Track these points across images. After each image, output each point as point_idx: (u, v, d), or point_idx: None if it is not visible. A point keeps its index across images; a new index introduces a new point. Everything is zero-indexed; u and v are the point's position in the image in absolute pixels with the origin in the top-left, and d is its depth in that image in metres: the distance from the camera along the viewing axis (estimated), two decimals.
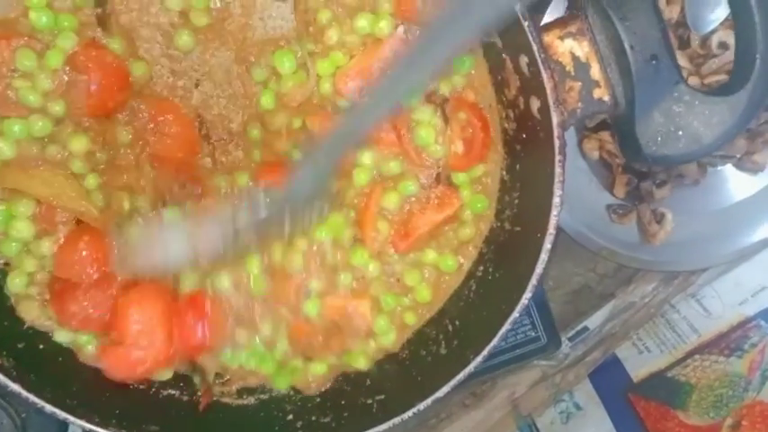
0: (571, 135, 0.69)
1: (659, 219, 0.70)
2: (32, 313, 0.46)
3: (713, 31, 0.61)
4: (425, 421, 0.76)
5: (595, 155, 0.69)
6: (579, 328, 0.76)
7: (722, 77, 0.58)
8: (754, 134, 0.68)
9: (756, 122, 0.67)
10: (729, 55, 0.56)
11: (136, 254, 0.42)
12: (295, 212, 0.41)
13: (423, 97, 0.45)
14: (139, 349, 0.44)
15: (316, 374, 0.48)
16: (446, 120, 0.44)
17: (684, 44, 0.62)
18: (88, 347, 0.48)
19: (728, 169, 0.71)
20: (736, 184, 0.71)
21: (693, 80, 0.60)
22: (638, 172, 0.70)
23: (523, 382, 0.76)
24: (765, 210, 0.70)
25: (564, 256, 0.75)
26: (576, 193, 0.69)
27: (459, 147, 0.44)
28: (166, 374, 0.49)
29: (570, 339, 0.76)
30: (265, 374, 0.48)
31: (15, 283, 0.46)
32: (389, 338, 0.47)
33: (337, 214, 0.45)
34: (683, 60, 0.60)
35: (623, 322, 0.76)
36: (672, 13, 0.61)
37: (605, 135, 0.68)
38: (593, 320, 0.77)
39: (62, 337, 0.48)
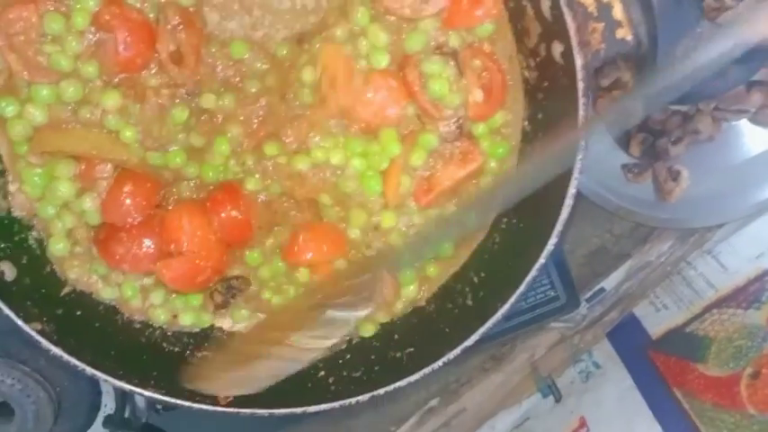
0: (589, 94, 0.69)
1: (675, 176, 0.70)
2: (77, 272, 0.47)
3: None
4: (446, 386, 0.78)
5: None
6: (596, 289, 0.77)
7: None
8: None
9: None
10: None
11: None
12: None
13: (431, 49, 0.45)
14: (198, 258, 0.46)
15: None
16: (460, 69, 0.44)
17: None
18: (134, 301, 0.49)
19: (744, 124, 0.71)
20: (752, 138, 0.71)
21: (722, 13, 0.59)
22: (653, 130, 0.70)
23: (542, 344, 0.77)
24: None
25: (580, 217, 0.75)
26: (591, 152, 0.69)
27: (477, 95, 0.44)
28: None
29: (587, 301, 0.77)
30: None
31: (58, 248, 0.47)
32: (411, 290, 0.48)
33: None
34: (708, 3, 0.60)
35: (640, 282, 0.76)
36: None
37: (620, 94, 0.68)
38: (610, 281, 0.77)
39: (108, 293, 0.49)
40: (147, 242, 0.46)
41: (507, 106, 0.46)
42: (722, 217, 0.71)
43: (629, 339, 0.74)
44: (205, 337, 0.52)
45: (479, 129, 0.46)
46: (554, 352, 0.78)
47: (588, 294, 0.77)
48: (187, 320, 0.51)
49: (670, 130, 0.69)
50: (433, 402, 0.78)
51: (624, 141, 0.71)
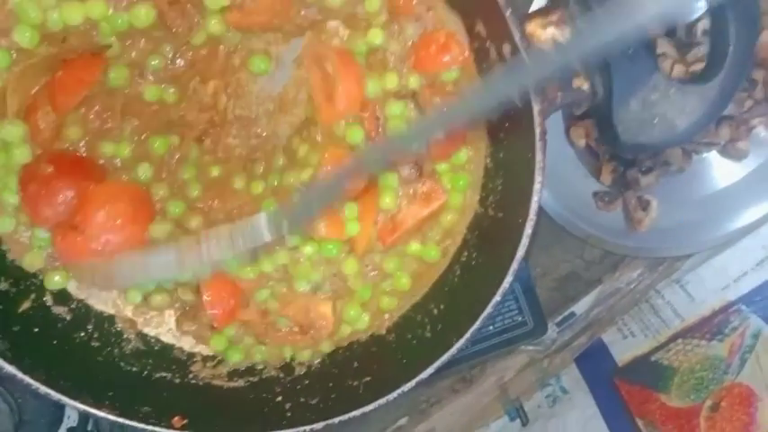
0: (558, 123, 0.70)
1: (645, 206, 0.71)
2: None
3: (698, 20, 0.61)
4: (416, 406, 0.78)
5: (582, 143, 0.70)
6: (566, 313, 0.78)
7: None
8: (738, 121, 0.69)
9: (740, 110, 0.68)
10: (703, 58, 0.57)
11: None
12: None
13: (389, 95, 0.45)
14: (97, 243, 0.44)
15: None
16: (420, 109, 0.45)
17: (670, 32, 0.63)
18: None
19: (713, 156, 0.72)
20: (721, 170, 0.72)
21: (679, 67, 0.61)
22: (625, 159, 0.71)
23: (512, 367, 0.78)
24: (749, 196, 0.71)
25: (552, 243, 0.76)
26: (564, 180, 0.70)
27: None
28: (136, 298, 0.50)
29: (558, 325, 0.78)
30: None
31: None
32: (362, 324, 0.49)
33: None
34: (668, 48, 0.61)
35: (609, 308, 0.77)
36: None
37: (591, 123, 0.69)
38: (580, 306, 0.78)
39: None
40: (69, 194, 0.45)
41: (470, 143, 0.46)
42: (690, 247, 0.72)
43: (596, 365, 0.74)
44: (164, 358, 0.52)
45: (442, 167, 0.46)
46: (523, 375, 0.78)
47: (558, 318, 0.78)
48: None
49: (641, 161, 0.70)
50: (402, 421, 0.78)
51: (596, 170, 0.72)
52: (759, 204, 0.70)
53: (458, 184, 0.47)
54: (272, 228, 0.39)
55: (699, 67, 0.59)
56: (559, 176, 0.69)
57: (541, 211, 0.53)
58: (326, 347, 0.51)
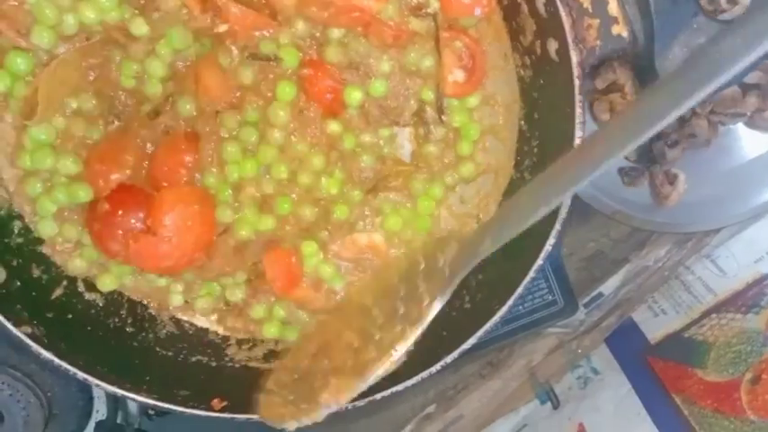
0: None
1: (672, 180, 0.70)
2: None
3: None
4: (444, 392, 0.77)
5: (606, 117, 0.69)
6: (594, 294, 0.77)
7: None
8: (765, 91, 0.68)
9: (767, 78, 0.67)
10: (739, 9, 0.56)
11: None
12: None
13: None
14: (169, 244, 0.45)
15: None
16: (438, 49, 0.44)
17: None
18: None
19: (740, 128, 0.71)
20: (748, 142, 0.71)
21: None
22: None
23: (540, 350, 0.77)
24: None
25: (578, 222, 0.75)
26: None
27: (459, 75, 0.44)
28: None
29: (585, 306, 0.77)
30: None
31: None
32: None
33: None
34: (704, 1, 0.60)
35: (638, 286, 0.76)
36: None
37: (616, 97, 0.67)
38: (608, 286, 0.77)
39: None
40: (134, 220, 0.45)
41: (503, 104, 0.45)
42: (720, 221, 0.71)
43: (627, 345, 0.73)
44: (199, 342, 0.51)
45: (454, 104, 0.46)
46: (552, 358, 0.77)
47: (586, 299, 0.77)
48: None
49: (666, 134, 0.69)
50: (431, 409, 0.78)
51: None
52: None
53: (469, 133, 0.47)
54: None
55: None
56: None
57: None
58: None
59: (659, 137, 0.70)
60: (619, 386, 0.71)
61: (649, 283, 0.76)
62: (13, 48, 0.43)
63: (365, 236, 0.49)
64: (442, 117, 0.46)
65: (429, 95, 0.46)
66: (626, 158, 0.71)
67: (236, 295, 0.50)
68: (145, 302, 0.51)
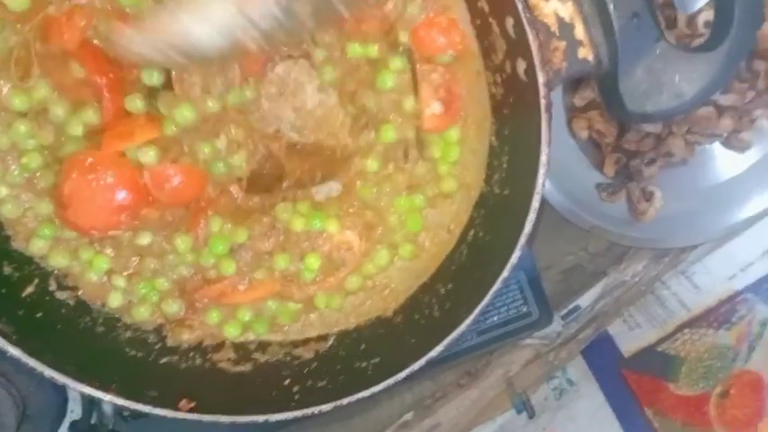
0: (560, 114, 0.71)
1: (648, 197, 0.71)
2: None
3: (699, 11, 0.62)
4: (421, 401, 0.77)
5: (585, 134, 0.70)
6: (571, 306, 0.78)
7: None
8: (741, 112, 0.69)
9: (742, 101, 0.68)
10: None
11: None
12: None
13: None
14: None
15: None
16: (414, 82, 0.45)
17: (671, 24, 0.63)
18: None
19: (716, 147, 0.72)
20: (724, 162, 0.73)
21: None
22: (628, 151, 0.71)
23: (517, 361, 0.78)
24: (753, 187, 0.71)
25: (556, 235, 0.76)
26: (567, 171, 0.71)
27: (436, 107, 0.45)
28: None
29: (563, 318, 0.78)
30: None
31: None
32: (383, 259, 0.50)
33: None
34: (670, 39, 0.61)
35: (615, 300, 0.77)
36: None
37: (594, 114, 0.69)
38: (586, 299, 0.78)
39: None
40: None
41: (471, 122, 0.46)
42: (695, 238, 0.72)
43: (602, 357, 0.74)
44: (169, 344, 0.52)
45: (433, 138, 0.47)
46: (529, 368, 0.78)
47: (564, 312, 0.78)
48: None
49: (643, 152, 0.70)
50: (408, 416, 0.78)
51: (598, 161, 0.72)
52: (763, 195, 0.71)
53: (448, 153, 0.48)
54: None
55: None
56: (562, 168, 0.69)
57: (545, 202, 0.53)
58: (354, 284, 0.50)
59: (636, 154, 0.71)
60: (593, 397, 0.72)
61: (626, 297, 0.77)
62: None
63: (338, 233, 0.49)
64: (424, 153, 0.47)
65: (410, 134, 0.47)
66: (603, 174, 0.72)
67: (171, 305, 0.50)
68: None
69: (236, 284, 0.49)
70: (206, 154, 0.46)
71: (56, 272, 0.50)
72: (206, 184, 0.47)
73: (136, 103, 0.45)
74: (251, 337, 0.52)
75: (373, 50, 0.46)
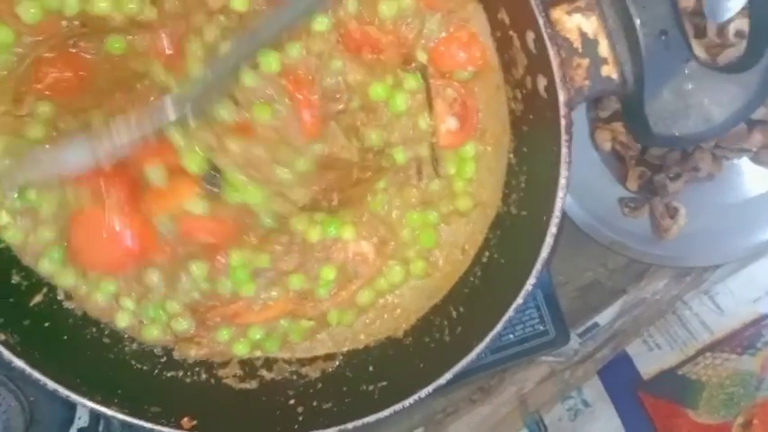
0: (583, 125, 0.69)
1: (672, 213, 0.69)
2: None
3: (730, 20, 0.59)
4: (432, 416, 0.76)
5: (608, 146, 0.68)
6: (589, 324, 0.76)
7: None
8: None
9: None
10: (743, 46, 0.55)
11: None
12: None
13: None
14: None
15: None
16: (428, 99, 0.44)
17: (701, 33, 0.61)
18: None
19: (744, 163, 0.70)
20: (752, 178, 0.70)
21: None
22: (652, 165, 0.69)
23: (531, 378, 0.76)
24: None
25: (574, 251, 0.74)
26: (588, 185, 0.69)
27: (451, 123, 0.44)
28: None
29: (580, 336, 0.76)
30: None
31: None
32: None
33: None
34: (698, 50, 0.59)
35: (634, 319, 0.75)
36: (687, 2, 0.60)
37: (618, 126, 0.67)
38: (604, 317, 0.76)
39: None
40: None
41: (490, 138, 0.45)
42: (719, 257, 0.70)
43: (619, 378, 0.72)
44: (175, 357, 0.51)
45: (448, 153, 0.46)
46: (543, 386, 0.76)
47: (581, 329, 0.76)
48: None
49: (669, 166, 0.68)
50: (418, 431, 0.77)
51: (622, 175, 0.70)
52: None
53: (463, 170, 0.47)
54: (176, 109, 0.41)
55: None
56: (584, 181, 0.68)
57: (564, 216, 0.52)
58: (366, 298, 0.49)
59: (661, 169, 0.69)
60: (608, 420, 0.70)
61: (646, 315, 0.75)
62: None
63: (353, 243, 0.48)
64: (439, 171, 0.46)
65: (424, 152, 0.46)
66: (626, 189, 0.70)
67: (181, 323, 0.49)
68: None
69: (250, 305, 0.48)
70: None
71: None
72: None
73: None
74: (258, 353, 0.51)
75: (389, 81, 0.45)
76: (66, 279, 0.48)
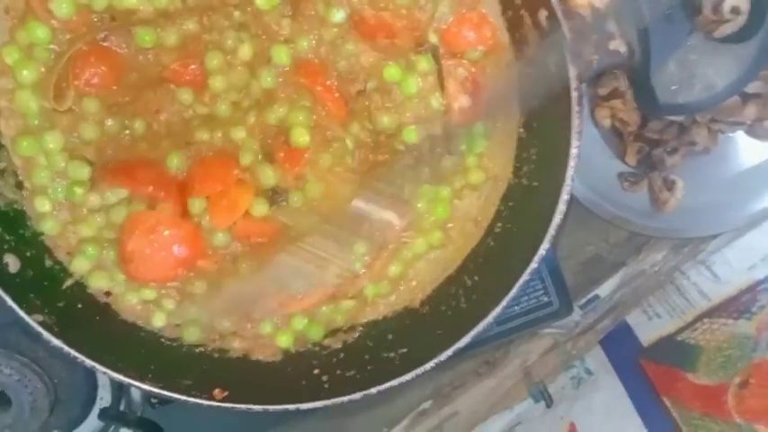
0: (583, 104, 0.70)
1: (670, 186, 0.71)
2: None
3: None
4: (440, 389, 0.78)
5: (607, 123, 0.70)
6: (590, 296, 0.78)
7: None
8: (766, 100, 0.68)
9: (767, 88, 0.68)
10: (741, 20, 0.57)
11: None
12: None
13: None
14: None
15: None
16: (440, 78, 0.46)
17: (696, 11, 0.63)
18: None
19: (739, 136, 0.72)
20: (747, 150, 0.72)
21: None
22: (650, 140, 0.71)
23: (535, 351, 0.78)
24: None
25: (577, 226, 0.76)
26: (588, 161, 0.70)
27: (464, 101, 0.45)
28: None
29: (581, 308, 0.78)
30: None
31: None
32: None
33: None
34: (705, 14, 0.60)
35: (634, 290, 0.77)
36: None
37: (617, 103, 0.69)
38: (605, 289, 0.78)
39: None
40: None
41: (499, 115, 0.47)
42: (716, 227, 0.72)
43: (620, 347, 0.74)
44: None
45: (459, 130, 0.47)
46: (547, 358, 0.78)
47: (582, 301, 0.78)
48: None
49: (666, 141, 0.70)
50: (426, 405, 0.79)
51: (621, 151, 0.72)
52: None
53: (474, 145, 0.48)
54: None
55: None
56: (584, 157, 0.67)
57: None
58: (397, 270, 0.51)
59: (659, 143, 0.71)
60: (611, 387, 0.72)
61: (645, 286, 0.77)
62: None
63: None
64: (451, 148, 0.48)
65: (437, 130, 0.47)
66: (625, 164, 0.72)
67: (224, 324, 0.50)
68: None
69: (294, 294, 0.50)
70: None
71: None
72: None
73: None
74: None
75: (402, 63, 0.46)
76: (99, 281, 0.50)
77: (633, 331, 0.75)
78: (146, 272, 0.48)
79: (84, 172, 0.47)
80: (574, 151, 0.38)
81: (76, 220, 0.48)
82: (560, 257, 0.75)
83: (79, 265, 0.49)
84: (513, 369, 0.79)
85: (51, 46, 0.46)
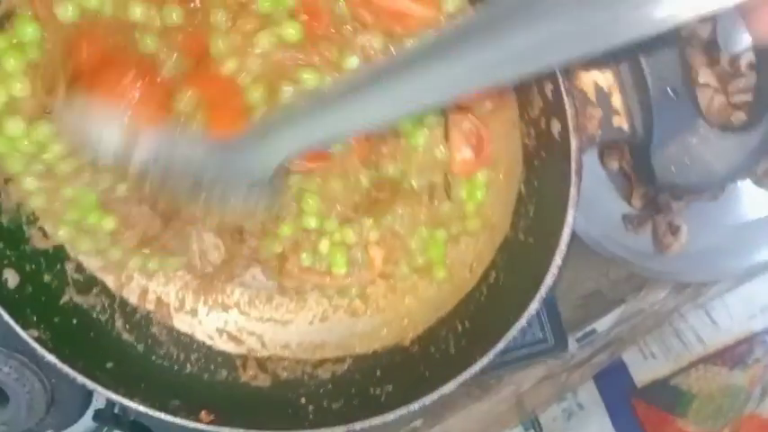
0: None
1: (674, 231, 0.70)
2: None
3: (743, 51, 0.61)
4: (431, 409, 0.79)
5: (615, 165, 0.70)
6: (588, 329, 0.78)
7: (747, 97, 0.58)
8: None
9: None
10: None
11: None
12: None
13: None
14: None
15: None
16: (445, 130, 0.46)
17: (714, 62, 0.62)
18: None
19: (747, 185, 0.71)
20: (754, 200, 0.71)
21: (719, 98, 0.60)
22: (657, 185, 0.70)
23: (529, 379, 0.78)
24: None
25: (578, 260, 0.75)
26: (594, 201, 0.70)
27: (466, 152, 0.46)
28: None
29: (578, 341, 0.78)
30: None
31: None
32: None
33: None
34: (710, 78, 0.60)
35: (631, 327, 0.77)
36: (703, 31, 0.61)
37: (625, 146, 0.68)
38: (602, 323, 0.78)
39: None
40: None
41: (502, 167, 0.47)
42: (717, 275, 0.71)
43: (614, 384, 0.75)
44: (194, 354, 0.54)
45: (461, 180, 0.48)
46: (540, 387, 0.79)
47: (579, 334, 0.78)
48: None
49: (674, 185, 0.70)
50: (417, 423, 0.79)
51: (627, 193, 0.72)
52: None
53: (474, 194, 0.49)
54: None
55: (740, 99, 0.58)
56: (589, 197, 0.69)
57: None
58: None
59: (665, 188, 0.71)
60: (601, 424, 0.73)
61: (643, 325, 0.77)
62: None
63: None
64: (450, 194, 0.48)
65: (438, 178, 0.48)
66: (631, 206, 0.72)
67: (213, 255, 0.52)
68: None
69: None
70: None
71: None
72: None
73: None
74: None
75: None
76: (83, 244, 0.50)
77: (628, 369, 0.75)
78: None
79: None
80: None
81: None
82: (560, 290, 0.75)
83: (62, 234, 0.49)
84: (506, 395, 0.79)
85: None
